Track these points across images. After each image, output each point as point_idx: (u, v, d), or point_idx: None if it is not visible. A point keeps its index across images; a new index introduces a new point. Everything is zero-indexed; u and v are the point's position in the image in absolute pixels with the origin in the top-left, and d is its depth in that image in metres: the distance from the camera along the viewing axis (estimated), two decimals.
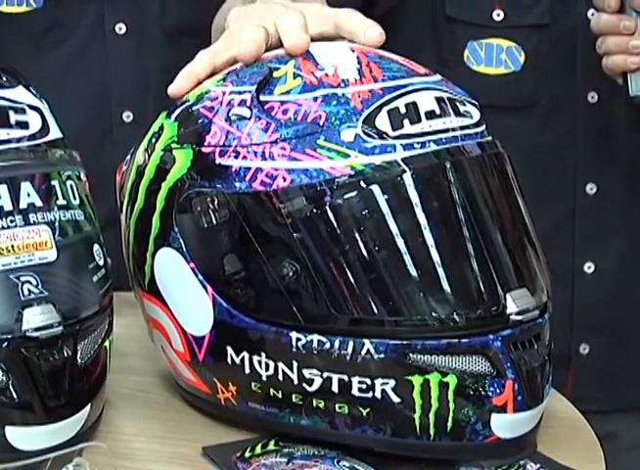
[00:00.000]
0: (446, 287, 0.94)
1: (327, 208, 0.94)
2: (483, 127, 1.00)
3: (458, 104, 0.99)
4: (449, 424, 0.95)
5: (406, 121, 0.95)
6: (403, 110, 0.96)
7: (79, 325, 0.95)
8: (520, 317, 0.95)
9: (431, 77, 1.01)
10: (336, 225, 0.94)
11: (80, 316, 0.95)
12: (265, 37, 1.03)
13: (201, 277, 0.99)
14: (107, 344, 0.99)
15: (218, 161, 0.97)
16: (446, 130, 0.97)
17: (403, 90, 0.97)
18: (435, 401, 0.94)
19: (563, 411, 1.09)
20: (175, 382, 1.08)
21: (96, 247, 0.99)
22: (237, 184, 0.96)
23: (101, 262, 0.99)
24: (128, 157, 1.08)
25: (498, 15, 1.32)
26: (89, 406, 0.96)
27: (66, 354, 0.93)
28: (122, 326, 1.03)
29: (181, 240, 0.99)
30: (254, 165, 0.96)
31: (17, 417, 0.92)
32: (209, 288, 0.98)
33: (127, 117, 1.45)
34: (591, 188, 1.35)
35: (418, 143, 0.95)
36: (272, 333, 0.96)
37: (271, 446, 0.99)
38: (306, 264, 0.94)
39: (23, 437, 0.92)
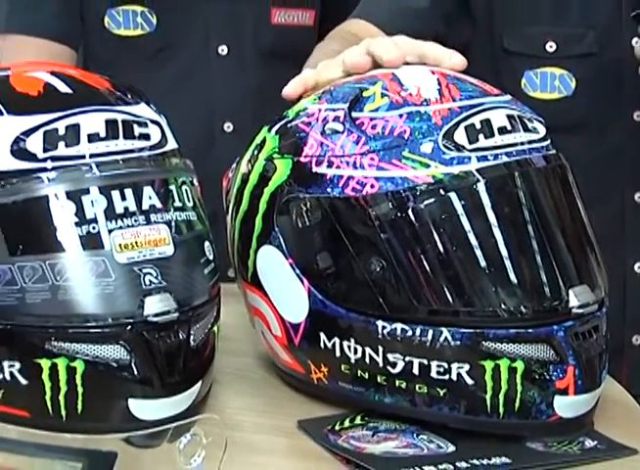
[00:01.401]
0: (515, 282, 0.96)
1: (410, 211, 0.96)
2: (548, 142, 1.02)
3: (526, 121, 1.00)
4: (517, 404, 0.96)
5: (481, 136, 0.97)
6: (478, 126, 0.97)
7: (192, 312, 0.97)
8: (581, 310, 0.96)
9: (502, 97, 1.02)
10: (418, 227, 0.96)
11: (193, 304, 0.97)
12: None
13: (298, 271, 1.01)
14: (215, 329, 1.01)
15: (314, 169, 1.00)
16: (516, 144, 0.98)
17: (478, 108, 0.99)
18: (505, 384, 0.95)
19: (617, 395, 1.10)
20: (273, 363, 1.10)
21: (206, 244, 1.01)
22: (330, 190, 0.99)
23: (210, 257, 1.01)
24: (234, 165, 1.11)
25: (551, 46, 1.32)
26: (200, 383, 0.98)
27: (181, 337, 0.95)
28: (226, 313, 1.05)
29: (281, 239, 1.02)
30: (346, 174, 0.98)
31: (138, 391, 0.94)
32: (305, 281, 1.01)
33: (228, 127, 1.48)
34: (639, 196, 1.35)
35: (491, 155, 0.97)
36: (360, 321, 0.98)
37: (358, 420, 1.01)
38: (391, 261, 0.96)
39: (144, 408, 0.94)
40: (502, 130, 0.98)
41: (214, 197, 1.13)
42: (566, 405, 0.97)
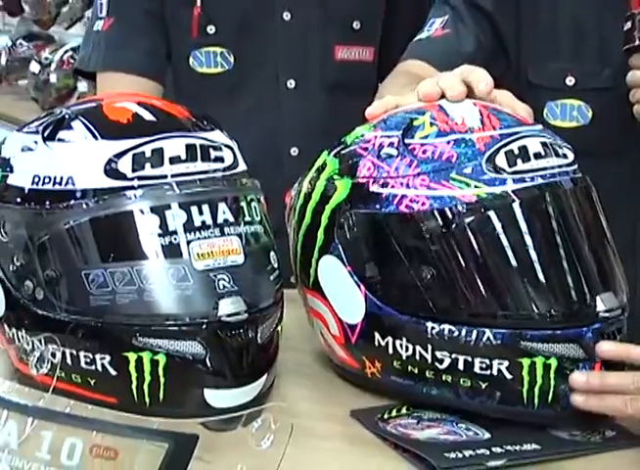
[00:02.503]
0: (547, 289, 0.99)
1: (457, 226, 0.99)
2: (576, 166, 1.04)
3: (557, 147, 1.03)
4: (550, 396, 0.98)
5: (519, 160, 1.00)
6: (516, 151, 1.00)
7: (259, 313, 1.00)
8: (607, 315, 0.99)
9: (535, 127, 1.05)
10: (464, 240, 0.99)
11: (260, 306, 1.00)
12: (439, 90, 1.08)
13: (356, 278, 1.03)
14: (279, 328, 1.04)
15: (371, 189, 1.02)
16: (547, 168, 1.01)
17: (516, 136, 1.02)
18: (540, 379, 0.98)
19: None
20: (328, 359, 1.13)
21: (272, 254, 1.04)
22: (386, 207, 1.01)
23: (275, 266, 1.04)
24: (296, 185, 1.13)
25: (570, 81, 1.32)
26: (266, 375, 1.01)
27: (250, 335, 0.98)
28: (287, 315, 1.07)
29: (340, 249, 1.04)
30: (400, 193, 1.01)
31: (212, 382, 0.97)
32: (362, 287, 1.03)
33: (294, 151, 1.51)
34: None
35: (528, 178, 1.00)
36: (412, 323, 1.01)
37: (404, 410, 1.04)
38: (440, 270, 0.99)
39: (217, 397, 0.97)
40: (537, 156, 1.01)
41: (282, 212, 1.16)
42: None
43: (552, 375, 0.98)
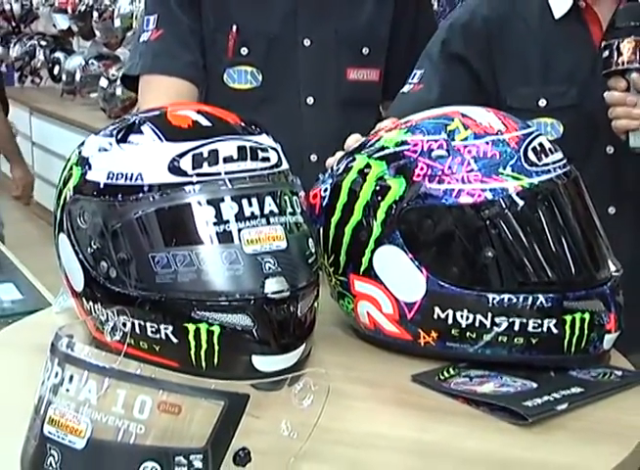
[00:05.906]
0: (583, 258, 1.03)
1: (511, 211, 1.00)
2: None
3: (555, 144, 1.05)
4: (583, 344, 1.01)
5: (542, 155, 1.02)
6: (539, 148, 1.02)
7: (299, 291, 0.99)
8: (617, 274, 1.04)
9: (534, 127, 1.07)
10: (517, 222, 1.00)
11: (300, 286, 0.99)
12: None
13: (417, 263, 1.01)
14: (315, 304, 1.03)
15: (428, 186, 1.01)
16: (555, 161, 1.04)
17: (533, 135, 1.03)
18: (578, 330, 1.00)
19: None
20: (355, 329, 1.11)
21: (310, 240, 1.03)
22: (445, 201, 1.00)
23: (313, 251, 1.03)
24: (321, 186, 1.11)
25: (542, 102, 1.32)
26: (304, 344, 1.00)
27: (291, 310, 0.97)
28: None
29: (401, 239, 1.02)
30: (457, 188, 1.00)
31: (258, 349, 0.96)
32: (424, 270, 1.01)
33: (313, 158, 1.49)
34: (611, 210, 1.34)
35: (552, 169, 1.03)
36: (474, 296, 1.00)
37: (452, 371, 1.01)
38: (500, 249, 1.00)
39: (263, 362, 0.97)
40: (550, 151, 1.03)
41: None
42: (608, 341, 1.02)
43: (586, 326, 1.00)
